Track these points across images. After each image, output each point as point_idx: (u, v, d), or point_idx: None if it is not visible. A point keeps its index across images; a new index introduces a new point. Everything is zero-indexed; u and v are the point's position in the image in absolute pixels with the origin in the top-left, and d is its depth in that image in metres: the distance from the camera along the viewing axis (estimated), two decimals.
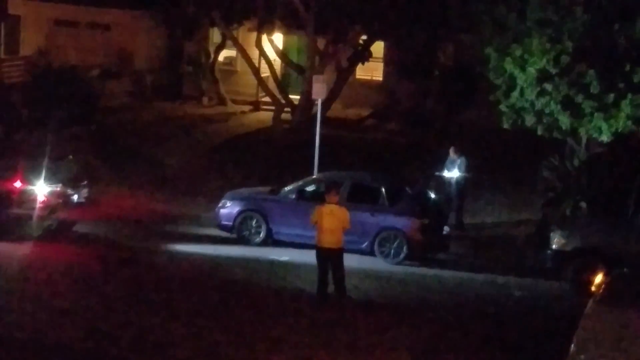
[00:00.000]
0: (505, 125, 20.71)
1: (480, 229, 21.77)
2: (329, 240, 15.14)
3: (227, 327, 13.36)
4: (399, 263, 18.61)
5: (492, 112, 21.57)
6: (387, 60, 32.76)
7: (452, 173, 21.42)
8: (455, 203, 21.40)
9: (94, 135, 26.83)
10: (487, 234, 21.51)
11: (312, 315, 14.17)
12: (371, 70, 32.83)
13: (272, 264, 17.93)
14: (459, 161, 21.41)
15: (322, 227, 15.17)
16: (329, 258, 15.16)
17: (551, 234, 17.99)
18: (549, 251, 17.99)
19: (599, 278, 12.99)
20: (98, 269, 16.36)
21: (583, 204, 20.01)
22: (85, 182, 20.13)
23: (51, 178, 18.66)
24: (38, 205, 18.36)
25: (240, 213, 19.68)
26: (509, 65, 19.91)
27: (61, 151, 20.60)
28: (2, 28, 30.97)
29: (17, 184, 18.33)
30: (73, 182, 19.54)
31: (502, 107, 20.45)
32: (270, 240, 19.48)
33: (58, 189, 18.84)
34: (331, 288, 15.11)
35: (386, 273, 17.88)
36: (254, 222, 19.59)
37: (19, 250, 17.30)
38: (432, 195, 20.19)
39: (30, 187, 18.38)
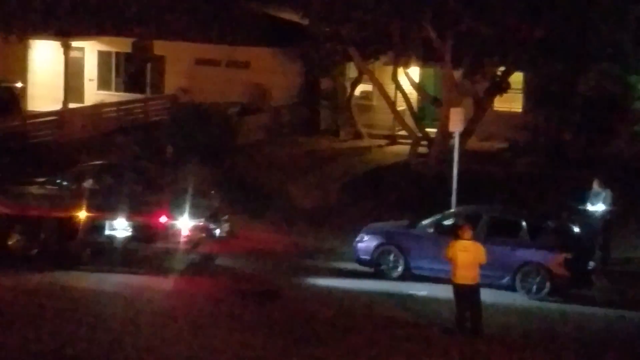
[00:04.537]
0: None
1: (626, 263, 20.96)
2: (464, 276, 14.97)
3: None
4: (541, 299, 18.11)
5: (637, 143, 20.88)
6: (527, 91, 32.19)
7: (597, 206, 20.73)
8: (600, 237, 20.68)
9: (233, 170, 27.40)
10: (634, 269, 20.68)
11: (448, 350, 13.93)
12: (510, 102, 32.29)
13: (410, 298, 17.77)
14: (603, 194, 20.72)
15: (456, 263, 15.02)
16: (466, 294, 14.94)
17: None
18: None
19: None
20: (241, 303, 16.57)
21: None
22: (227, 217, 20.54)
23: (194, 213, 19.13)
24: (182, 239, 18.87)
25: (378, 247, 19.64)
26: None
27: (204, 186, 21.12)
28: (148, 68, 32.20)
29: (163, 219, 18.89)
30: (215, 217, 19.98)
31: None
32: (409, 274, 19.33)
33: (201, 223, 19.32)
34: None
35: (528, 309, 17.43)
36: (391, 256, 19.50)
37: (164, 284, 17.76)
38: (576, 229, 19.60)
39: (174, 222, 18.90)
